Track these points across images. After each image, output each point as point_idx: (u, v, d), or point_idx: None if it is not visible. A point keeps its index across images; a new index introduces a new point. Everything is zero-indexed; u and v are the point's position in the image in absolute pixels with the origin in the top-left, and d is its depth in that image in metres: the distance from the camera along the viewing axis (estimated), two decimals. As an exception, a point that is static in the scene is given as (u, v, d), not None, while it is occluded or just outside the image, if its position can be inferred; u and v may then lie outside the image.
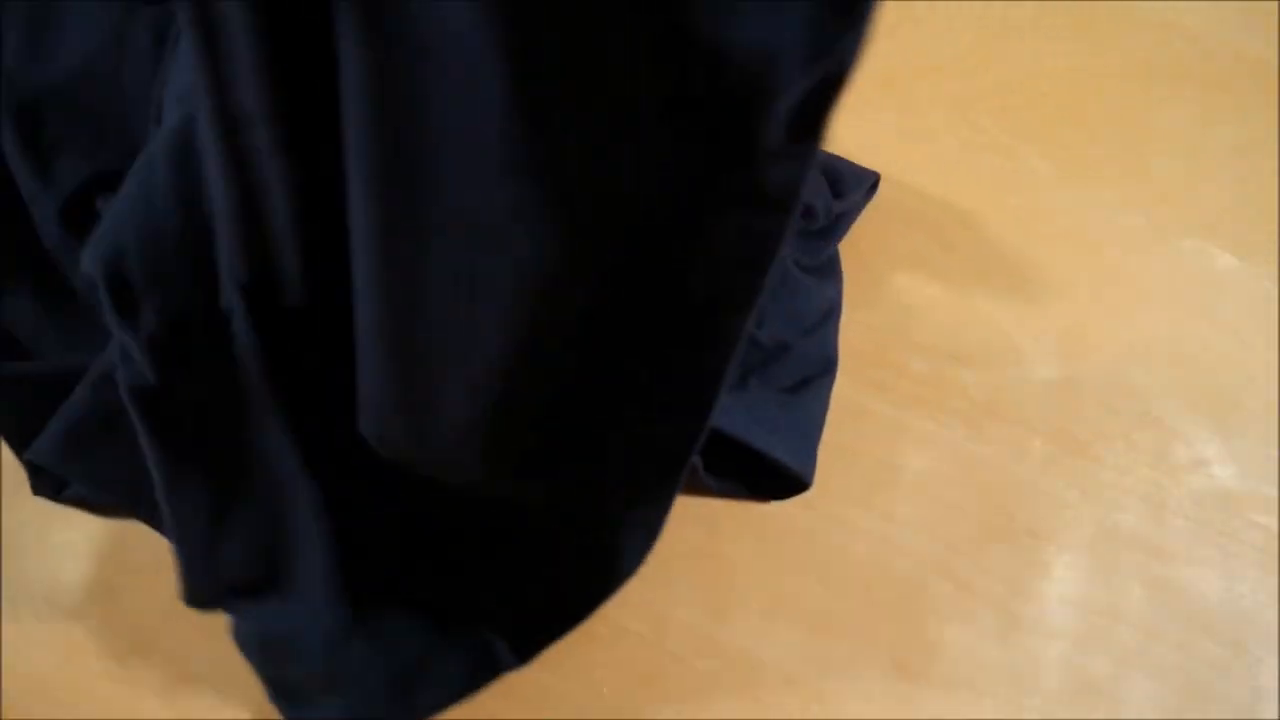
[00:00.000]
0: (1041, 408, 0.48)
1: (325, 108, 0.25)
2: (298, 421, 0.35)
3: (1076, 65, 0.59)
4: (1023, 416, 0.48)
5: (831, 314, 0.49)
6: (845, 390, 0.48)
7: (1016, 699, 0.42)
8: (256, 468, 0.36)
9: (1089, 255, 0.52)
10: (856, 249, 0.51)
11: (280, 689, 0.40)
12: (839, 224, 0.51)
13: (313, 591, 0.38)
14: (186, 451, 0.36)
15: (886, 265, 0.52)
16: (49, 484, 0.43)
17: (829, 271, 0.51)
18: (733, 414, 0.43)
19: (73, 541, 0.43)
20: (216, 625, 0.41)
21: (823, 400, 0.47)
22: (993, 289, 0.51)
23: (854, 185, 0.51)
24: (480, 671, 0.40)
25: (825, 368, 0.47)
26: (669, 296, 0.29)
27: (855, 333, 0.49)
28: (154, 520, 0.41)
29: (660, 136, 0.25)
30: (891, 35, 0.61)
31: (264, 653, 0.41)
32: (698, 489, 0.46)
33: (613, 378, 0.32)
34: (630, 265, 0.28)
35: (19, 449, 0.42)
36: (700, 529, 0.46)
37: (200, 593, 0.38)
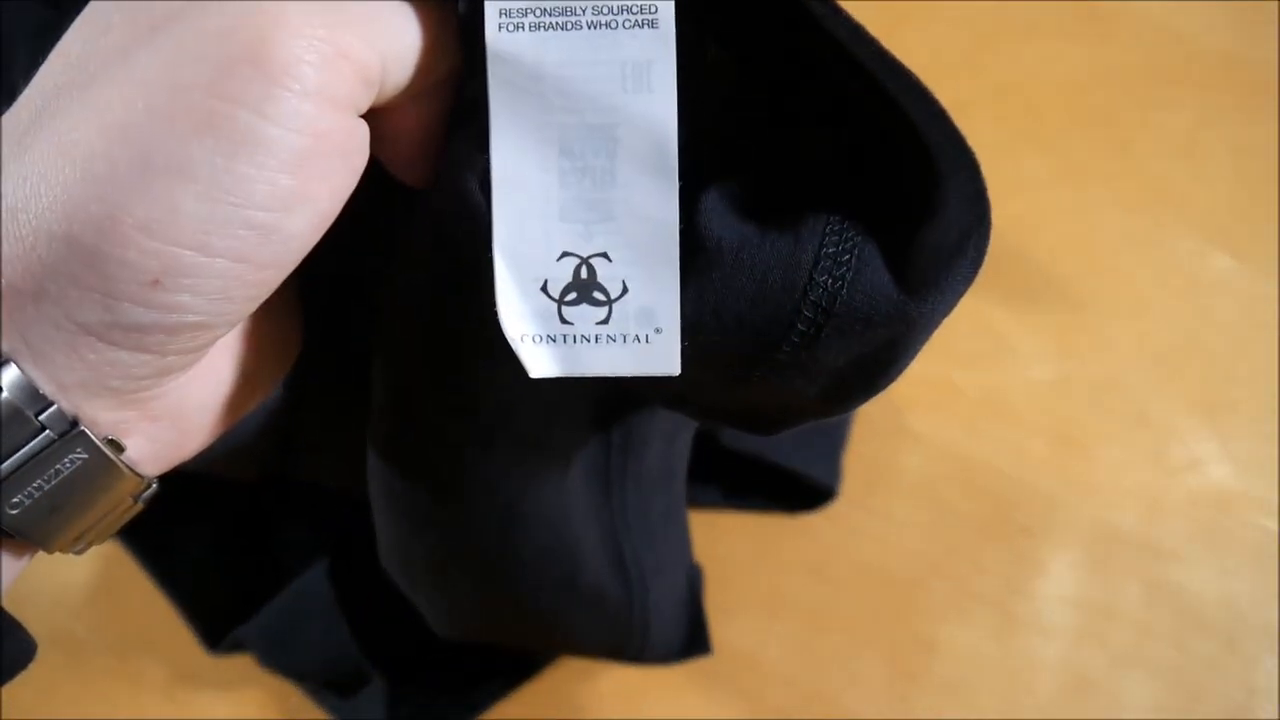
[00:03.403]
0: (1038, 408, 0.48)
1: None
2: None
3: (1075, 66, 0.59)
4: (1019, 417, 0.48)
5: None
6: (843, 390, 0.48)
7: (1013, 697, 0.42)
8: None
9: (1086, 256, 0.52)
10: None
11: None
12: None
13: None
14: None
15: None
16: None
17: None
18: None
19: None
20: (217, 624, 0.41)
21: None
22: (990, 290, 0.52)
23: None
24: None
25: None
26: None
27: (853, 333, 0.49)
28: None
29: None
30: (889, 37, 0.60)
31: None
32: (716, 507, 0.46)
33: None
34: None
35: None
36: (700, 529, 0.46)
37: None
